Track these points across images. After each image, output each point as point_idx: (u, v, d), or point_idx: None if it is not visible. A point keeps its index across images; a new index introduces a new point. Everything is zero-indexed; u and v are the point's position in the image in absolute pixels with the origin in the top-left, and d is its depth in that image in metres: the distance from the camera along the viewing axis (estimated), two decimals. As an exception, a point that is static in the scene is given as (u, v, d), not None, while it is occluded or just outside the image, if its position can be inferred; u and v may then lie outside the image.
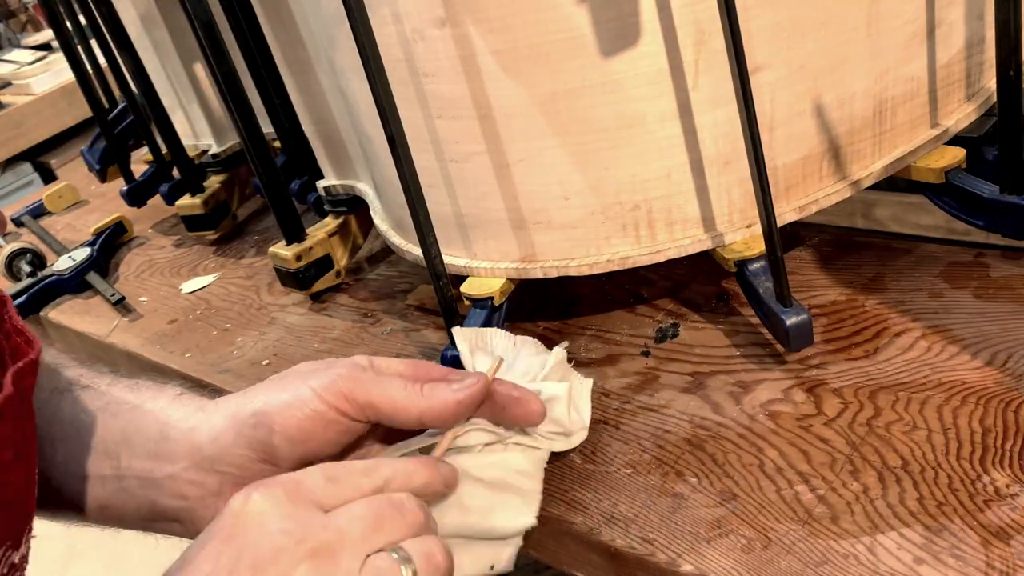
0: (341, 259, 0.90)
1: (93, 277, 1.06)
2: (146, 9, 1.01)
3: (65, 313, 1.04)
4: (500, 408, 0.53)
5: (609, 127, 0.59)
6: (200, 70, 1.05)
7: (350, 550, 0.42)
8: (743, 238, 0.63)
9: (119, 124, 1.15)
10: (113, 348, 0.95)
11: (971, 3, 0.62)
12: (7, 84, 2.44)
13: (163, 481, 0.52)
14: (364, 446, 0.56)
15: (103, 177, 1.21)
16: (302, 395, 0.51)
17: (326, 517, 0.43)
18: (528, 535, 0.53)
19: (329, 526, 0.43)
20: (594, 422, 0.63)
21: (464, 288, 0.69)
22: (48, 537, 0.54)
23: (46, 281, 1.06)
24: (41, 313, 1.05)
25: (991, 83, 0.66)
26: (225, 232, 1.10)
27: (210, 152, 1.11)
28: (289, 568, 0.41)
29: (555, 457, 0.60)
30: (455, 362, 0.65)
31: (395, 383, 0.51)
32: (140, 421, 0.53)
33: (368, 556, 0.43)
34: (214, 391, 0.82)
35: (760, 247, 0.61)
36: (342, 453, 0.54)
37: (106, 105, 1.17)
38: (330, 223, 0.88)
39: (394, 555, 0.43)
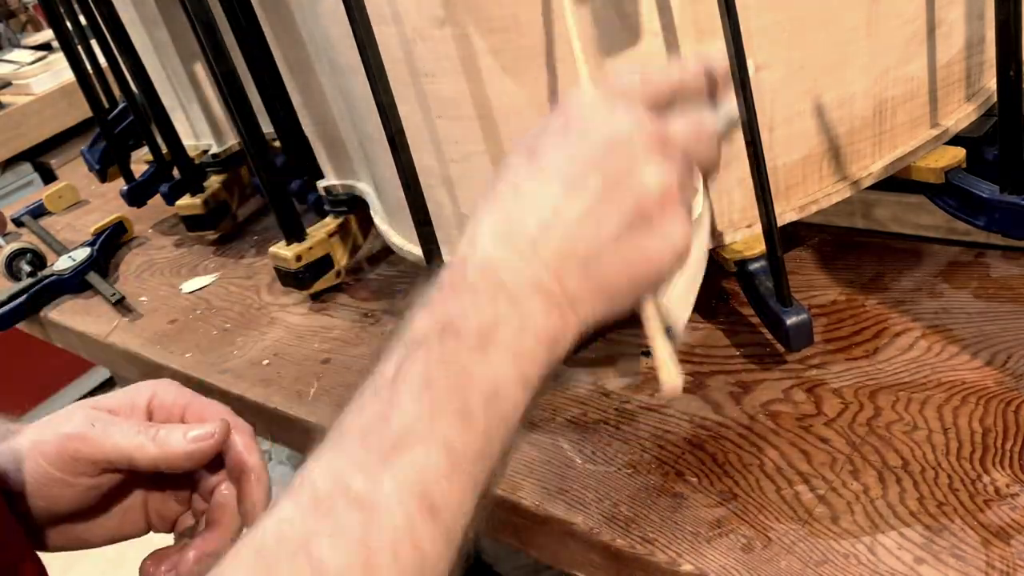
0: (341, 259, 0.90)
1: (93, 277, 1.06)
2: (146, 9, 1.01)
3: (65, 313, 1.03)
4: None
5: (609, 127, 0.59)
6: (200, 70, 1.04)
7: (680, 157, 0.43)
8: (743, 238, 0.63)
9: (119, 124, 1.15)
10: (113, 348, 0.95)
11: (971, 3, 0.62)
12: (7, 84, 2.44)
13: None
14: (130, 491, 0.56)
15: (103, 177, 1.21)
16: (32, 461, 0.51)
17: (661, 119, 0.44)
18: None
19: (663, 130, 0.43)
20: (594, 422, 0.63)
21: (464, 288, 0.69)
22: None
23: (46, 281, 1.06)
24: (41, 313, 1.05)
25: (991, 83, 0.66)
26: (225, 232, 1.10)
27: (210, 152, 1.11)
28: (640, 152, 0.42)
29: (555, 457, 0.61)
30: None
31: (127, 431, 0.52)
32: None
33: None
34: (212, 391, 0.82)
35: (760, 247, 0.61)
36: (104, 498, 0.54)
37: (106, 105, 1.17)
38: (330, 223, 0.88)
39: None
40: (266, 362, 0.83)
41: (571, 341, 0.42)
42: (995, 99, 0.59)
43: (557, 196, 0.42)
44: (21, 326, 1.08)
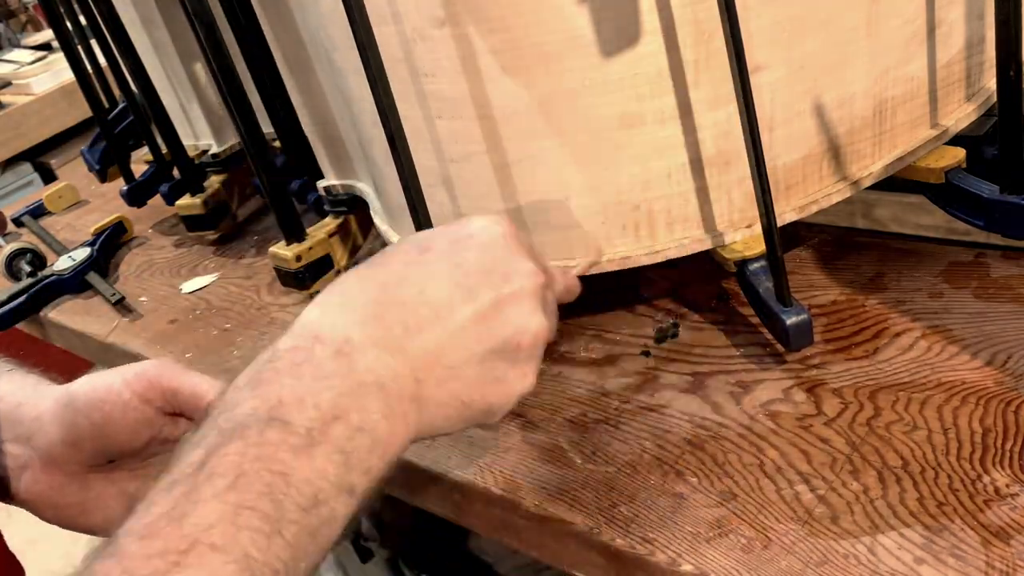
0: (341, 259, 0.90)
1: (93, 277, 1.06)
2: (146, 9, 1.01)
3: (65, 313, 1.03)
4: None
5: (609, 127, 0.59)
6: (200, 70, 1.04)
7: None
8: (743, 238, 0.63)
9: (119, 124, 1.15)
10: (113, 348, 0.95)
11: (971, 3, 0.62)
12: (7, 84, 2.43)
13: None
14: (167, 448, 0.55)
15: (103, 177, 1.21)
16: (110, 380, 0.52)
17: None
18: None
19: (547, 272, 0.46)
20: (594, 422, 0.63)
21: (464, 288, 0.69)
22: (47, 537, 0.54)
23: (46, 281, 1.06)
24: (41, 313, 1.05)
25: (991, 83, 0.66)
26: (225, 232, 1.10)
27: (210, 152, 1.11)
28: (508, 256, 0.43)
29: (555, 457, 0.61)
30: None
31: (202, 376, 0.52)
32: None
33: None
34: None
35: (760, 247, 0.61)
36: (144, 448, 0.54)
37: (106, 105, 1.17)
38: (330, 223, 0.88)
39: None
40: (266, 362, 0.83)
41: (403, 449, 0.40)
42: (995, 99, 0.59)
43: (445, 299, 0.41)
44: (21, 326, 1.08)
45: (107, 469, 0.54)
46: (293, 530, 0.34)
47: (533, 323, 0.43)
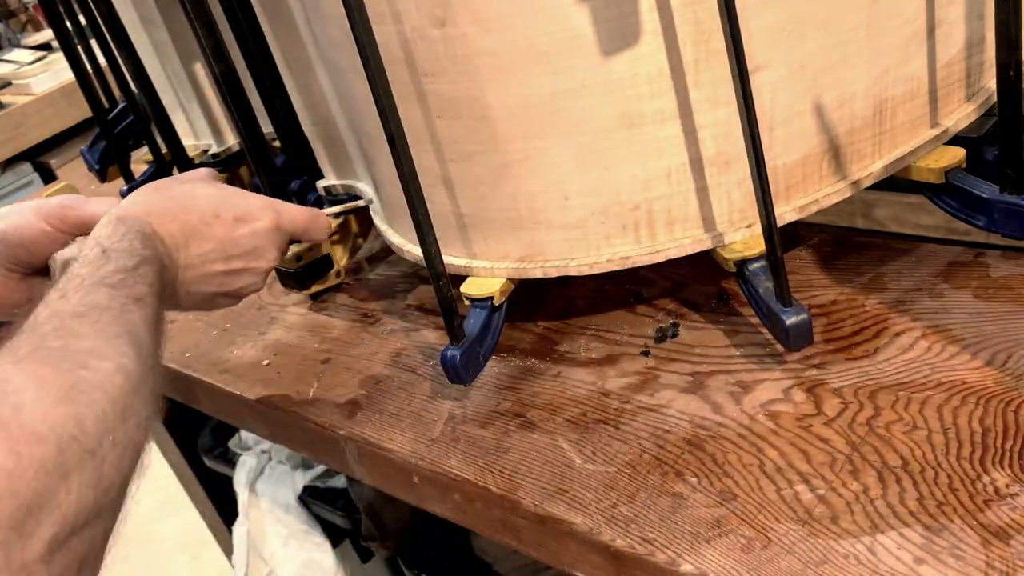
0: (341, 259, 0.90)
1: (93, 277, 1.06)
2: (146, 9, 1.01)
3: (65, 313, 1.03)
4: None
5: (609, 127, 0.59)
6: (200, 70, 1.04)
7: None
8: (743, 238, 0.63)
9: (119, 124, 1.15)
10: (113, 348, 0.95)
11: (971, 3, 0.62)
12: (7, 84, 2.44)
13: None
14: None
15: (103, 177, 1.21)
16: (23, 211, 0.66)
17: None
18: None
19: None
20: (594, 422, 0.63)
21: (464, 288, 0.69)
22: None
23: (46, 281, 1.06)
24: (41, 313, 1.05)
25: (991, 83, 0.66)
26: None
27: (210, 152, 1.11)
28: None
29: (555, 457, 0.61)
30: (454, 362, 0.65)
31: (100, 200, 0.66)
32: None
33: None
34: (212, 391, 0.82)
35: (760, 247, 0.61)
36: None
37: (106, 105, 1.17)
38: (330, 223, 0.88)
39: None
40: (266, 362, 0.83)
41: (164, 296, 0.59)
42: (995, 99, 0.59)
43: (216, 229, 0.65)
44: (21, 326, 1.07)
45: (29, 275, 0.67)
46: (131, 306, 0.53)
47: (266, 255, 0.68)
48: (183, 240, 0.63)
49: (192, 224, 0.64)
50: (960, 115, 0.65)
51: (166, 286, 0.60)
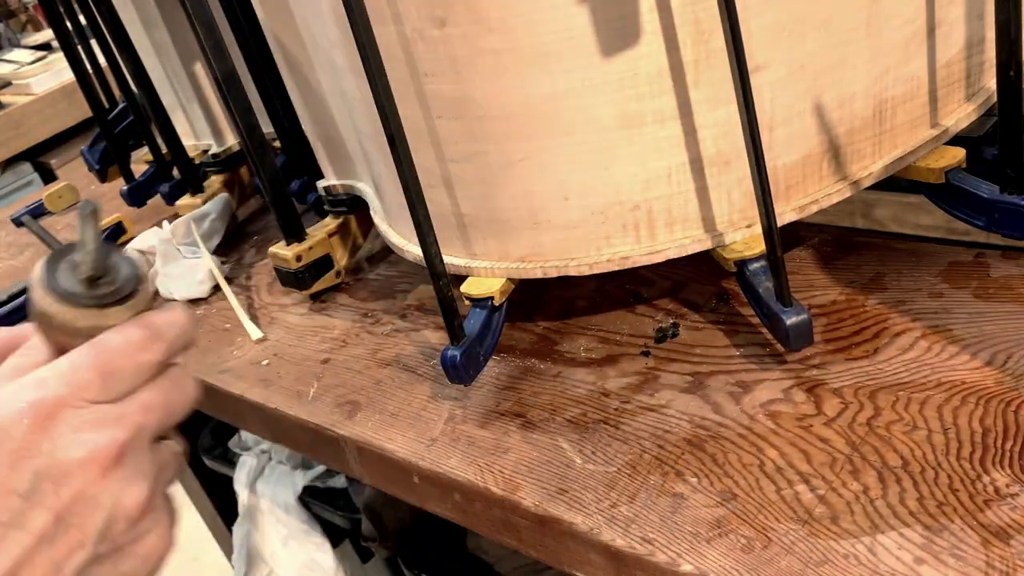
0: (341, 259, 0.90)
1: (93, 277, 1.06)
2: (146, 9, 1.01)
3: (65, 313, 1.03)
4: None
5: (609, 127, 0.59)
6: (200, 70, 1.04)
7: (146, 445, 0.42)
8: (743, 238, 0.63)
9: (119, 124, 1.15)
10: (113, 348, 0.95)
11: (971, 3, 0.62)
12: (7, 84, 2.44)
13: None
14: None
15: (103, 177, 1.21)
16: None
17: (118, 411, 0.41)
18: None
19: (124, 422, 0.41)
20: (594, 422, 0.63)
21: (464, 288, 0.69)
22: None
23: (46, 281, 1.06)
24: (41, 313, 1.05)
25: (991, 83, 0.66)
26: (225, 232, 1.10)
27: (210, 152, 1.11)
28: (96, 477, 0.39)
29: (555, 457, 0.61)
30: (454, 362, 0.65)
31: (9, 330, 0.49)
32: None
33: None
34: (212, 391, 0.82)
35: (760, 247, 0.61)
36: None
37: (106, 105, 1.17)
38: (330, 223, 0.88)
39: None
40: (266, 362, 0.83)
41: None
42: (995, 99, 0.59)
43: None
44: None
45: None
46: None
47: (125, 498, 0.40)
48: None
49: None
50: (960, 115, 0.65)
51: None
